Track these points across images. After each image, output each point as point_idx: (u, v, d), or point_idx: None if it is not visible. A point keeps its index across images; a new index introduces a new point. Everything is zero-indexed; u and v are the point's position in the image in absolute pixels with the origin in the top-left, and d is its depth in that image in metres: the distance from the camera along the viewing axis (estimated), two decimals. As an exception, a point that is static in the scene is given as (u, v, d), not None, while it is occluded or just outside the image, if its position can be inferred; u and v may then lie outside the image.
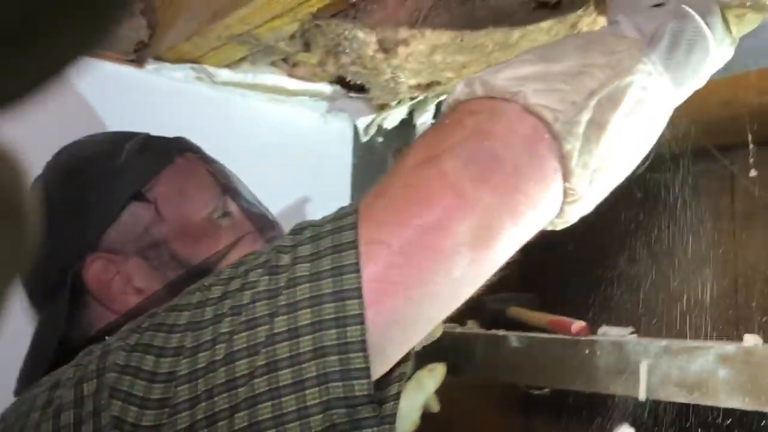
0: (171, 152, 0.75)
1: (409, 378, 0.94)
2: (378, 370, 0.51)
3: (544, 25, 0.75)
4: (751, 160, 0.82)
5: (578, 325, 0.88)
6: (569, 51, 0.58)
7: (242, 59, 0.97)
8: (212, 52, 0.93)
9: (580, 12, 0.75)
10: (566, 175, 0.55)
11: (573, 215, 0.58)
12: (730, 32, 0.62)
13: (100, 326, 0.71)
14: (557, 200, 0.56)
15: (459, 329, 1.01)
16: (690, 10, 0.59)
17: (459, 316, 1.08)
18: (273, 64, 1.00)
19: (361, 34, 0.77)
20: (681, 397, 0.75)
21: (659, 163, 1.09)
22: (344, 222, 0.52)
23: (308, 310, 0.49)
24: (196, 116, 1.04)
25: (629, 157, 0.60)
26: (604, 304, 1.21)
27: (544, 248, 1.28)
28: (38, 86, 0.23)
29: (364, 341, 0.48)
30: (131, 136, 0.76)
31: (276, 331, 0.48)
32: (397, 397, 0.53)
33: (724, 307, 1.08)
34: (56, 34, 0.22)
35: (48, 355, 0.69)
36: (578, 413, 1.09)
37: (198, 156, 0.78)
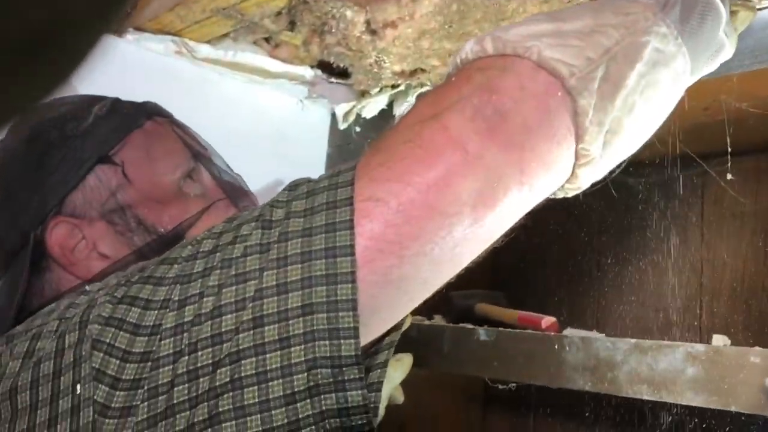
0: (140, 116, 0.74)
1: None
2: (368, 333, 0.50)
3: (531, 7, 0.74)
4: (728, 165, 0.83)
5: (548, 320, 0.88)
6: (581, 12, 0.57)
7: (225, 35, 0.95)
8: (195, 25, 0.91)
9: (569, 4, 0.75)
10: (579, 134, 0.53)
11: (585, 179, 0.57)
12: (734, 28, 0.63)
13: (61, 292, 0.69)
14: (569, 161, 0.54)
15: (427, 322, 1.01)
16: None
17: (426, 311, 1.08)
18: (255, 43, 0.99)
19: (349, 13, 0.77)
20: (648, 395, 0.76)
21: (632, 167, 1.10)
22: (341, 178, 0.50)
23: (299, 265, 0.47)
24: (172, 91, 1.02)
25: (644, 123, 0.58)
26: (572, 306, 1.22)
27: (514, 248, 1.29)
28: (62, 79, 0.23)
29: (354, 300, 0.47)
30: (99, 99, 0.74)
31: (264, 285, 0.47)
32: (384, 365, 0.53)
33: (692, 311, 1.09)
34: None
35: (7, 320, 0.66)
36: (539, 409, 1.10)
37: (168, 120, 0.77)
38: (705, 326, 1.07)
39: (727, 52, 0.63)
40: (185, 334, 0.47)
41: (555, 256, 1.27)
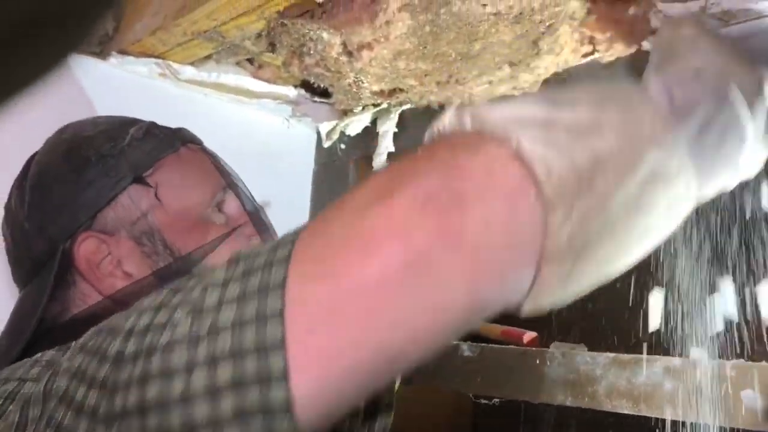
0: (175, 141, 0.75)
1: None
2: (318, 426, 0.44)
3: (506, 38, 0.76)
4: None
5: (529, 335, 0.89)
6: (582, 98, 0.48)
7: (207, 57, 0.96)
8: (177, 48, 0.92)
9: (542, 29, 0.76)
10: (543, 255, 0.44)
11: (538, 305, 0.47)
12: None
13: (83, 306, 0.71)
14: (526, 282, 0.45)
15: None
16: (734, 95, 0.49)
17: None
18: (238, 64, 1.00)
19: (325, 35, 0.78)
20: (628, 409, 0.76)
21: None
22: (277, 256, 0.45)
23: (229, 368, 0.42)
24: (158, 113, 1.02)
25: (627, 248, 0.48)
26: (556, 319, 1.23)
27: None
28: (30, 83, 0.23)
29: (289, 403, 0.41)
30: (136, 122, 0.76)
31: (193, 388, 0.42)
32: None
33: (667, 323, 1.09)
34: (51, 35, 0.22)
35: (28, 328, 0.68)
36: (527, 424, 1.10)
37: (200, 148, 0.79)
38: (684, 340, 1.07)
39: (752, 171, 0.53)
40: (114, 427, 0.43)
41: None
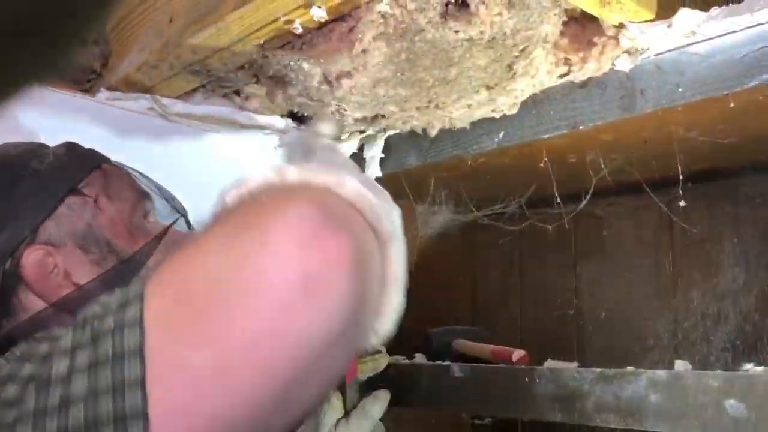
0: (96, 157, 0.79)
1: (355, 406, 0.94)
2: None
3: (481, 62, 0.78)
4: (680, 192, 0.85)
5: (518, 354, 0.90)
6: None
7: (194, 90, 0.98)
8: (164, 82, 0.94)
9: (516, 53, 0.78)
10: (386, 282, 0.54)
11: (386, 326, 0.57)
12: None
13: (30, 314, 0.70)
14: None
15: (406, 361, 1.02)
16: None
17: (407, 350, 1.09)
18: (225, 96, 1.02)
19: (306, 65, 0.79)
20: (616, 423, 0.77)
21: (601, 198, 1.13)
22: (127, 316, 0.42)
23: None
24: (147, 147, 1.05)
25: None
26: (552, 337, 1.23)
27: (491, 282, 1.30)
28: None
29: None
30: (45, 146, 0.79)
31: None
32: None
33: (663, 337, 1.10)
34: (11, 62, 0.23)
35: None
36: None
37: (116, 164, 0.82)
38: (682, 351, 1.08)
39: None
40: None
41: (532, 289, 1.29)
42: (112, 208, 0.75)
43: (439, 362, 0.98)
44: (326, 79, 0.80)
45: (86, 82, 0.98)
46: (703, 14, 0.74)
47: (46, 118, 0.95)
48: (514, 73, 0.80)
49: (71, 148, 0.78)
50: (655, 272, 1.13)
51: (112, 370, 0.40)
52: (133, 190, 0.79)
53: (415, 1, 0.70)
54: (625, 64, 0.80)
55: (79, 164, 0.76)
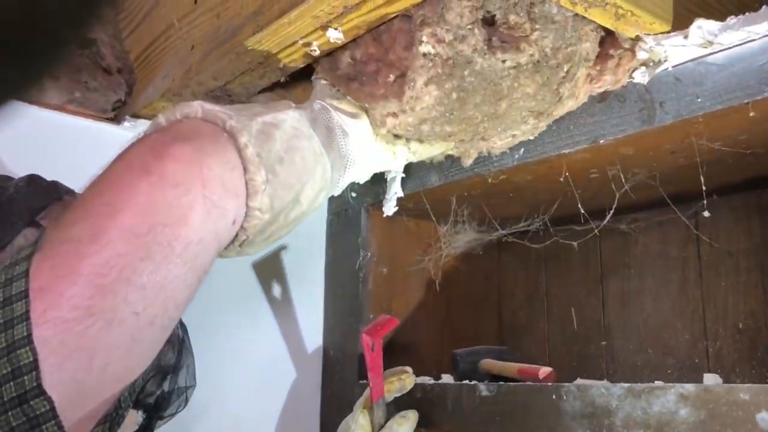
0: (58, 189, 0.79)
1: (382, 427, 0.94)
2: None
3: (530, 89, 0.76)
4: (714, 197, 0.84)
5: (545, 371, 0.89)
6: (231, 106, 0.70)
7: (216, 116, 1.00)
8: (186, 109, 0.96)
9: (562, 74, 0.77)
10: (245, 164, 0.62)
11: (260, 202, 0.63)
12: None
13: None
14: (241, 188, 0.62)
15: (431, 381, 1.01)
16: (324, 104, 0.78)
17: (434, 371, 1.08)
18: (246, 120, 1.04)
19: (348, 108, 0.79)
20: (645, 439, 0.76)
21: (624, 213, 1.12)
22: (17, 270, 0.51)
23: None
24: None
25: (292, 177, 0.68)
26: (580, 355, 1.22)
27: (516, 302, 1.29)
28: None
29: (29, 336, 0.48)
30: (10, 178, 0.80)
31: None
32: None
33: (698, 352, 1.08)
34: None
35: None
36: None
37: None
38: (713, 366, 1.06)
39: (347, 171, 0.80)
40: None
41: (558, 307, 1.28)
42: None
43: (465, 381, 0.98)
44: (367, 111, 0.80)
45: (112, 110, 1.00)
46: (720, 24, 0.73)
47: (72, 147, 0.97)
48: (560, 97, 0.79)
49: (33, 180, 0.79)
50: (682, 287, 1.11)
51: (5, 272, 0.51)
52: None
53: (450, 31, 0.69)
54: (643, 77, 0.80)
55: (39, 196, 0.76)
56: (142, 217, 0.54)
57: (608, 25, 0.74)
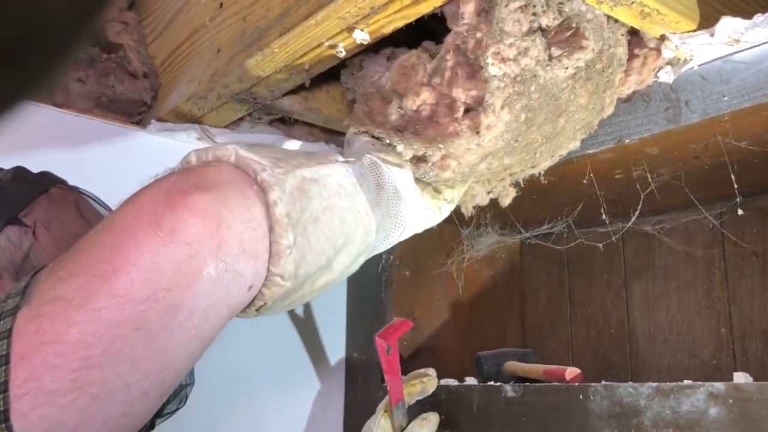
0: (44, 182, 0.77)
1: (404, 429, 0.94)
2: None
3: (582, 100, 0.75)
4: (739, 199, 0.84)
5: (572, 371, 0.88)
6: (274, 147, 0.64)
7: (241, 119, 1.01)
8: (212, 112, 0.97)
9: (606, 78, 0.75)
10: (272, 224, 0.55)
11: (282, 268, 0.56)
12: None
13: None
14: (264, 250, 0.55)
15: (455, 383, 1.01)
16: (373, 158, 0.69)
17: (456, 374, 1.08)
18: (271, 124, 1.04)
19: (400, 147, 0.73)
20: (674, 439, 0.75)
21: (649, 214, 1.11)
22: (15, 289, 0.48)
23: None
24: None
25: (326, 239, 0.60)
26: (602, 359, 1.21)
27: (540, 305, 1.29)
28: None
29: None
30: (1, 169, 0.78)
31: None
32: None
33: (725, 354, 1.07)
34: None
35: None
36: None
37: (70, 187, 0.80)
38: (739, 369, 1.05)
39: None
40: None
41: (582, 310, 1.27)
42: (50, 238, 0.73)
43: (491, 383, 0.97)
44: (422, 159, 0.74)
45: (137, 114, 1.01)
46: (747, 22, 0.73)
47: (98, 150, 0.99)
48: (603, 106, 0.78)
49: (18, 174, 0.76)
50: (708, 288, 1.10)
51: None
52: (78, 216, 0.77)
53: (513, 45, 0.67)
54: (668, 76, 0.80)
55: (22, 192, 0.74)
56: (142, 282, 0.47)
57: (634, 24, 0.74)
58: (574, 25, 0.69)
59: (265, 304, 0.57)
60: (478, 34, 0.68)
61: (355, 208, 0.64)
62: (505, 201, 0.84)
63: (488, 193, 0.86)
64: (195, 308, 0.50)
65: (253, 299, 0.57)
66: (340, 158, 0.67)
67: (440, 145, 0.71)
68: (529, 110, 0.70)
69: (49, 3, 0.23)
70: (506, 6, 0.66)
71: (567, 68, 0.70)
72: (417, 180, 0.73)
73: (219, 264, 0.51)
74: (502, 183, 0.84)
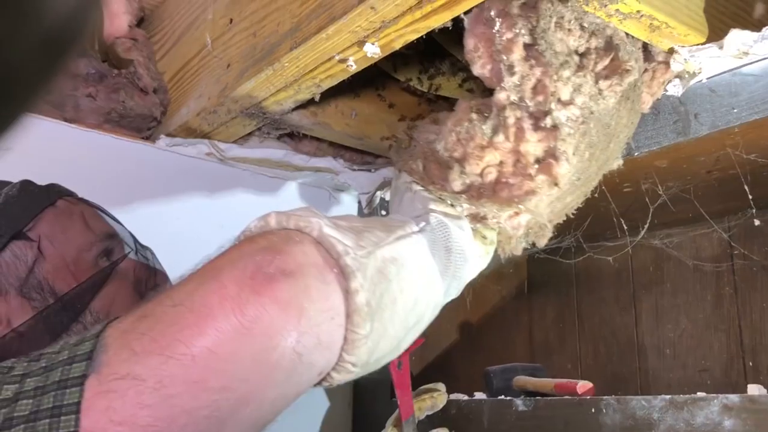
0: (51, 195, 0.76)
1: (414, 445, 0.93)
2: None
3: (624, 119, 0.74)
4: (753, 211, 0.84)
5: (584, 385, 0.88)
6: (353, 218, 0.63)
7: (250, 134, 1.01)
8: (222, 127, 0.97)
9: (637, 92, 0.74)
10: (350, 313, 0.53)
11: (359, 355, 0.55)
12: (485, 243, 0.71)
13: None
14: (339, 340, 0.54)
15: (464, 398, 1.01)
16: (441, 217, 0.67)
17: (466, 389, 1.08)
18: (279, 138, 1.05)
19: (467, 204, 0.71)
20: (689, 452, 0.75)
21: (657, 228, 1.11)
22: (80, 350, 0.46)
23: None
24: (206, 191, 1.07)
25: (402, 320, 0.60)
26: (612, 375, 1.21)
27: (548, 320, 1.28)
28: None
29: None
30: (7, 183, 0.77)
31: None
32: None
33: (735, 368, 1.07)
34: None
35: None
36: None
37: (78, 199, 0.79)
38: (751, 382, 1.05)
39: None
40: None
41: (590, 325, 1.27)
42: (55, 252, 0.73)
43: (501, 397, 0.97)
44: (485, 217, 0.72)
45: (147, 129, 1.02)
46: (755, 34, 0.73)
47: (108, 165, 0.99)
48: (635, 122, 0.77)
49: (24, 188, 0.75)
50: (718, 302, 1.10)
51: (54, 396, 0.43)
52: (84, 229, 0.76)
53: (569, 83, 0.66)
54: (677, 89, 0.80)
55: (28, 205, 0.73)
56: (219, 371, 0.46)
57: (643, 38, 0.75)
58: (613, 47, 0.68)
59: (330, 384, 0.57)
60: (533, 80, 0.66)
61: (429, 285, 0.63)
62: (541, 242, 0.78)
63: (525, 236, 0.80)
64: (265, 398, 0.50)
65: (320, 381, 0.56)
66: (414, 226, 0.65)
67: (520, 206, 0.69)
68: (591, 146, 0.69)
69: (14, 53, 0.23)
70: (553, 31, 0.65)
71: (615, 95, 0.69)
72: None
73: (294, 357, 0.50)
74: (553, 223, 0.79)
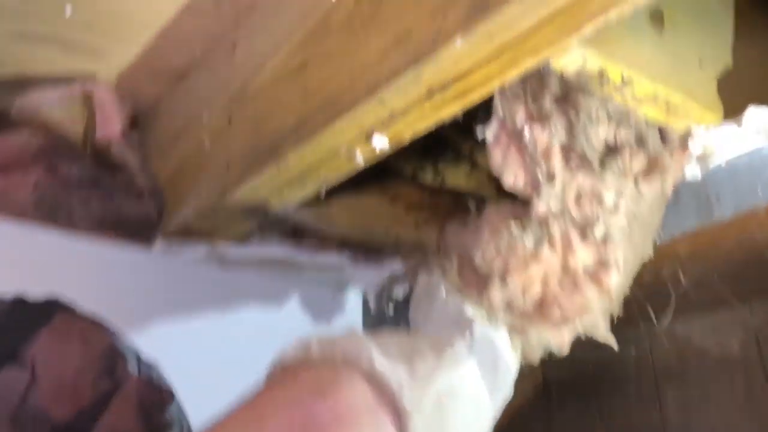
0: (47, 311, 0.71)
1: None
2: None
3: (658, 214, 0.72)
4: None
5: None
6: (398, 339, 0.59)
7: (250, 233, 0.98)
8: (222, 227, 0.94)
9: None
10: None
11: None
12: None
13: None
14: None
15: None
16: (484, 330, 0.64)
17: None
18: (282, 237, 1.01)
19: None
20: None
21: (679, 315, 1.07)
22: None
23: None
24: (206, 297, 1.04)
25: None
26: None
27: (570, 425, 1.22)
28: None
29: None
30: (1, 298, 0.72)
31: None
32: None
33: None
34: None
35: None
36: None
37: (77, 314, 0.73)
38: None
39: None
40: None
41: (613, 423, 1.21)
42: (49, 377, 0.67)
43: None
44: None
45: (143, 232, 0.98)
46: (774, 112, 0.72)
47: (103, 271, 0.95)
48: (662, 212, 0.74)
49: (17, 305, 0.71)
50: (748, 392, 1.05)
51: None
52: (84, 348, 0.71)
53: (612, 188, 0.65)
54: (696, 171, 0.78)
55: (21, 325, 0.69)
56: None
57: (659, 120, 0.73)
58: (643, 139, 0.66)
59: None
60: (576, 187, 0.65)
61: (481, 411, 0.60)
62: (565, 350, 0.74)
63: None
64: None
65: None
66: (462, 345, 0.61)
67: (576, 325, 0.67)
68: (634, 247, 0.68)
69: None
70: (590, 124, 0.63)
71: (655, 195, 0.67)
72: None
73: None
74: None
